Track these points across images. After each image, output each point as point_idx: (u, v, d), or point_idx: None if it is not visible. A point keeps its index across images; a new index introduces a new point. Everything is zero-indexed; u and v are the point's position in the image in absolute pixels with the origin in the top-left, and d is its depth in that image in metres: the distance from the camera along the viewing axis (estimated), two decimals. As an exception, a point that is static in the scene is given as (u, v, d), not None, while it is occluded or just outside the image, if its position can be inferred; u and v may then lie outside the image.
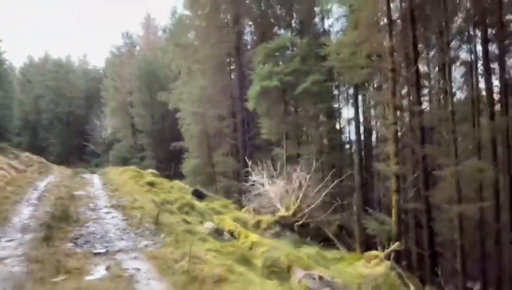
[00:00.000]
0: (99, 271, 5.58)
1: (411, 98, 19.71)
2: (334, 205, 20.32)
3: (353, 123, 26.79)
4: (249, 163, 19.46)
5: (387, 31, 15.64)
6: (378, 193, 25.78)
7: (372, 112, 27.67)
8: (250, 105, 22.78)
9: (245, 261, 6.44)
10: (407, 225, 20.38)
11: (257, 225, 12.98)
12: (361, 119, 27.81)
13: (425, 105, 22.95)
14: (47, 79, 54.25)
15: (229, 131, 30.42)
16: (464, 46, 20.73)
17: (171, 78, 38.15)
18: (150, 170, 20.34)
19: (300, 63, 21.13)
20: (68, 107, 53.92)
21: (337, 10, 25.01)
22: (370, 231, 17.06)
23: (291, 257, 7.35)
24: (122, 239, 7.36)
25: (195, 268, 5.25)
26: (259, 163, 19.09)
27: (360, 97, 27.42)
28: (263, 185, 18.07)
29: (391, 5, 18.08)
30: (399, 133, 18.11)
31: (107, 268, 5.68)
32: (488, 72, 18.73)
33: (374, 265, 10.52)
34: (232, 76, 31.67)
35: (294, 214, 15.26)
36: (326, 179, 18.71)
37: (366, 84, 23.58)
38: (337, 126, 28.54)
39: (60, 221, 8.35)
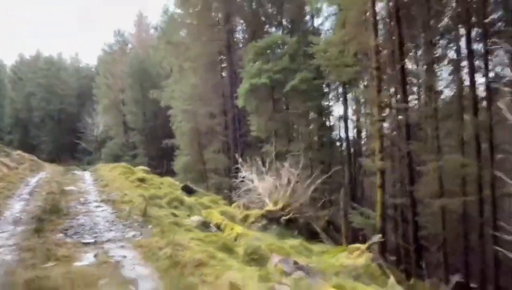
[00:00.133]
0: (87, 258, 5.89)
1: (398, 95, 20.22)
2: (323, 201, 20.79)
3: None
4: (239, 159, 19.78)
5: (372, 30, 16.05)
6: (366, 188, 26.29)
7: (362, 109, 28.18)
8: (239, 102, 23.13)
9: (227, 249, 6.79)
10: (395, 220, 20.92)
11: (245, 219, 13.33)
12: (352, 116, 28.37)
13: (415, 103, 23.60)
14: (39, 76, 54.08)
15: (221, 129, 30.73)
16: (451, 45, 21.30)
17: (163, 76, 38.37)
18: (140, 167, 20.57)
19: (289, 61, 21.51)
20: (60, 105, 53.79)
21: (327, 9, 25.43)
22: (355, 225, 17.48)
23: (273, 247, 7.71)
24: (110, 230, 7.66)
25: (178, 254, 5.58)
26: (248, 160, 19.43)
27: (350, 95, 27.94)
28: (252, 181, 18.41)
29: (378, 5, 18.55)
30: (386, 130, 18.67)
31: (95, 256, 5.99)
32: (472, 70, 19.27)
33: (356, 257, 10.90)
34: (224, 74, 31.98)
35: (282, 209, 15.60)
36: (314, 175, 19.08)
37: (356, 82, 24.07)
38: (328, 124, 29.04)
39: (50, 214, 8.62)
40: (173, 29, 32.92)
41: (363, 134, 28.95)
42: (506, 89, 12.24)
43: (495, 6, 18.77)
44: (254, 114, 24.38)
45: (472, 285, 19.17)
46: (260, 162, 19.44)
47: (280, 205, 15.52)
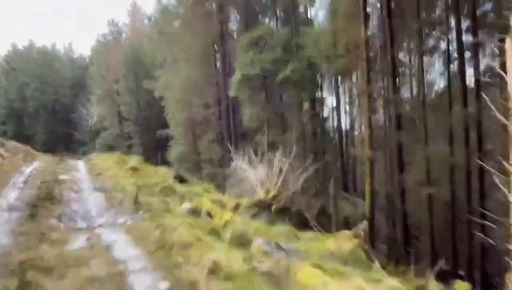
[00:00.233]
0: (80, 242, 6.17)
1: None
2: (316, 190, 21.18)
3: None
4: (232, 149, 20.05)
5: (362, 22, 16.24)
6: (358, 178, 26.70)
7: (357, 100, 28.46)
8: (232, 92, 23.33)
9: (215, 233, 7.09)
10: (388, 209, 21.35)
11: (236, 207, 13.62)
12: (346, 107, 28.72)
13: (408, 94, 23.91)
14: (32, 67, 53.74)
15: (215, 119, 30.89)
16: (442, 36, 21.54)
17: (157, 66, 38.31)
18: (134, 157, 20.79)
19: (281, 52, 21.68)
20: (54, 95, 53.54)
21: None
22: (344, 213, 17.88)
23: (259, 232, 8.01)
24: (102, 216, 7.95)
25: (166, 237, 5.88)
26: (240, 149, 19.70)
27: (346, 86, 28.21)
28: (244, 170, 18.70)
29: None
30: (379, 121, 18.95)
31: (88, 239, 6.28)
32: (461, 62, 19.57)
33: (343, 243, 11.26)
34: (218, 65, 32.04)
35: (273, 198, 15.93)
36: (306, 164, 19.40)
37: (348, 74, 24.32)
38: (322, 114, 29.30)
39: (44, 202, 8.89)
40: (167, 20, 32.86)
41: (356, 124, 29.37)
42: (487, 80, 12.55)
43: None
44: (246, 104, 24.60)
45: (460, 272, 19.72)
46: (252, 152, 19.73)
47: (271, 194, 15.84)
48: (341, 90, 30.08)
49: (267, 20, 31.42)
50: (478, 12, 19.33)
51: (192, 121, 30.07)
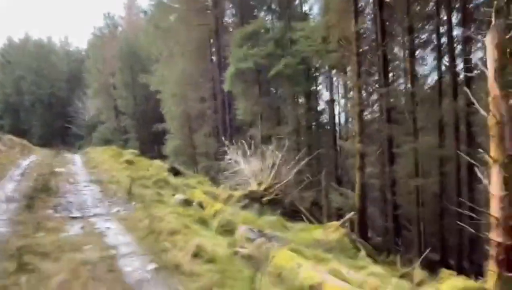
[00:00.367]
0: (74, 230, 6.53)
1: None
2: (307, 182, 21.52)
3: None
4: (226, 142, 20.39)
5: (353, 16, 16.54)
6: (351, 171, 27.07)
7: (351, 94, 28.75)
8: (226, 86, 23.60)
9: (203, 222, 7.47)
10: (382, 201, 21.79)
11: (229, 198, 14.00)
12: (341, 100, 29.00)
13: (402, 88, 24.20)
14: (28, 60, 53.70)
15: (210, 113, 31.16)
16: (434, 30, 21.80)
17: (153, 60, 38.43)
18: (130, 150, 21.11)
19: (274, 46, 21.93)
20: (50, 89, 53.58)
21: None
22: (335, 205, 18.29)
23: (247, 221, 8.39)
24: (97, 206, 8.30)
25: (155, 225, 6.24)
26: (234, 143, 20.04)
27: (340, 80, 28.43)
28: (238, 163, 19.07)
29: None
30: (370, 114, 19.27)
31: (82, 228, 6.64)
32: (452, 56, 19.92)
33: (330, 232, 11.67)
34: (213, 59, 32.24)
35: (265, 190, 16.32)
36: (298, 157, 19.77)
37: (343, 68, 24.57)
38: (317, 108, 29.59)
39: (41, 193, 9.22)
40: (162, 13, 32.94)
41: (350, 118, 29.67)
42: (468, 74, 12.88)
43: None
44: (240, 98, 24.90)
45: (450, 262, 20.24)
46: (246, 145, 20.08)
47: (263, 186, 16.22)
48: (336, 83, 30.45)
49: (262, 14, 31.54)
50: (471, 5, 19.65)
51: (188, 115, 30.36)
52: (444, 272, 10.81)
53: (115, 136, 43.85)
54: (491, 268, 7.31)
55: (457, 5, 20.12)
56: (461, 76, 20.12)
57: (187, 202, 10.27)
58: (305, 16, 27.73)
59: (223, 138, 22.92)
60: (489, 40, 7.78)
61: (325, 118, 30.89)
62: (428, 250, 15.21)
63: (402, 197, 19.72)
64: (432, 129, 20.29)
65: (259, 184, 16.63)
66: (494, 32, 7.70)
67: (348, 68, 25.31)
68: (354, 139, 17.52)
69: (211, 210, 9.75)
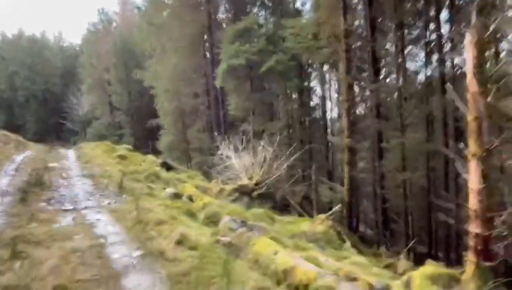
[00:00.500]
0: (66, 221, 6.85)
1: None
2: (299, 177, 21.92)
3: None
4: (218, 138, 20.70)
5: (341, 13, 16.84)
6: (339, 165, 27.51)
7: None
8: (218, 82, 23.85)
9: (191, 214, 7.80)
10: (375, 195, 22.20)
11: (219, 192, 14.34)
12: (335, 96, 29.36)
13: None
14: (22, 55, 53.56)
15: (204, 109, 31.42)
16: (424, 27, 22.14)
17: (147, 55, 38.54)
18: (123, 145, 21.35)
19: (265, 43, 22.20)
20: (44, 85, 53.53)
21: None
22: (324, 199, 18.69)
23: (233, 213, 8.71)
24: (88, 199, 8.61)
25: (143, 216, 6.57)
26: (227, 138, 20.35)
27: (333, 76, 28.75)
28: (230, 158, 19.39)
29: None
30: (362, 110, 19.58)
31: (73, 219, 6.96)
32: (440, 52, 20.31)
33: (317, 225, 12.05)
34: (207, 54, 32.43)
35: (256, 184, 16.67)
36: (289, 152, 20.11)
37: (335, 64, 24.87)
38: (311, 103, 29.93)
39: (35, 187, 9.51)
40: (156, 9, 33.04)
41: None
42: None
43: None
44: (232, 94, 25.17)
45: (439, 254, 20.77)
46: (238, 140, 20.40)
47: (254, 180, 16.57)
48: (328, 79, 30.79)
49: (256, 10, 31.70)
50: (460, 2, 20.01)
51: (181, 111, 30.61)
52: (430, 263, 11.24)
53: (110, 131, 43.99)
54: (470, 258, 7.71)
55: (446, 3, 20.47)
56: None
57: (177, 196, 10.59)
58: (297, 13, 27.99)
59: (215, 133, 23.20)
60: (468, 38, 8.14)
61: (318, 113, 31.33)
62: (413, 242, 15.65)
63: (390, 191, 20.15)
64: (421, 124, 20.73)
65: (250, 178, 16.98)
66: (473, 30, 8.06)
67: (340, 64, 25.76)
68: (343, 134, 17.88)
69: (200, 203, 10.08)
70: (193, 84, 30.70)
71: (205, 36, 31.78)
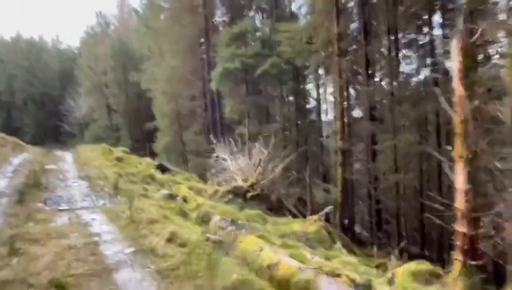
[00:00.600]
0: (62, 220, 7.10)
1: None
2: (294, 179, 22.17)
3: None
4: (214, 140, 20.97)
5: (335, 18, 17.15)
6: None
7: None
8: (213, 85, 24.11)
9: (184, 214, 8.06)
10: (369, 197, 22.46)
11: (214, 194, 14.59)
12: (330, 98, 29.55)
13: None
14: (20, 58, 53.76)
15: (200, 111, 31.68)
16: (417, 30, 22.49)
17: (145, 58, 38.78)
18: (120, 148, 21.59)
19: (261, 46, 22.49)
20: (42, 87, 53.75)
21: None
22: (319, 200, 18.96)
23: (226, 213, 8.98)
24: (84, 200, 8.85)
25: (137, 216, 6.83)
26: (223, 141, 20.64)
27: (330, 78, 28.98)
28: (225, 160, 19.67)
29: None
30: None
31: (69, 219, 7.20)
32: (432, 55, 20.66)
33: (309, 225, 12.32)
34: (204, 57, 32.68)
35: (251, 186, 16.93)
36: (283, 154, 20.41)
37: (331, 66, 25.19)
38: (307, 106, 30.14)
39: (32, 188, 9.74)
40: (153, 12, 33.35)
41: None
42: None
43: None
44: (228, 96, 25.43)
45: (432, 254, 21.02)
46: (233, 143, 20.68)
47: (248, 182, 16.83)
48: (324, 82, 31.03)
49: (252, 13, 32.01)
50: (453, 5, 20.35)
51: (178, 113, 30.84)
52: (420, 262, 11.50)
53: (107, 134, 44.17)
54: (457, 257, 7.96)
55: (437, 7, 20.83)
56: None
57: (171, 197, 10.85)
58: (293, 17, 28.29)
59: (211, 136, 23.46)
60: (454, 43, 8.41)
61: (314, 116, 31.58)
62: (404, 242, 15.95)
63: (384, 192, 20.43)
64: (414, 127, 21.04)
65: (244, 180, 17.25)
66: (459, 36, 8.33)
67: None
68: (336, 136, 18.17)
69: (193, 203, 10.35)
70: (190, 86, 30.97)
71: (202, 39, 32.09)
